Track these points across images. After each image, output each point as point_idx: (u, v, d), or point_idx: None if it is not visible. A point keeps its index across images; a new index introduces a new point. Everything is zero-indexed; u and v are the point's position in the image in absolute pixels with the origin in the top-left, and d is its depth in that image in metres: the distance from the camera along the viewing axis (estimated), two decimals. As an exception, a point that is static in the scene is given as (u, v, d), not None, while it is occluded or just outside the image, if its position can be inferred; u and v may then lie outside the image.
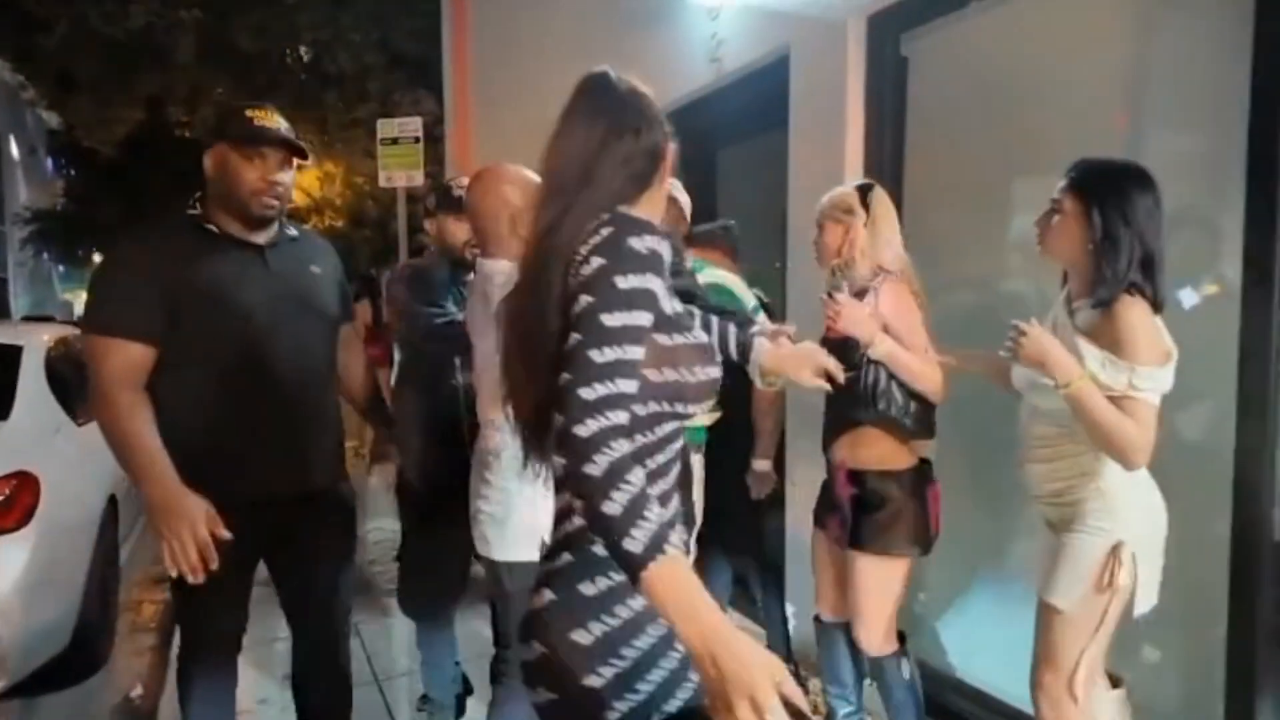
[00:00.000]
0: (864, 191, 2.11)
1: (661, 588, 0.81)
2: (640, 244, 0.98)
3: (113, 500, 3.49)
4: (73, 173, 24.77)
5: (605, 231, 0.98)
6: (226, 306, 1.71)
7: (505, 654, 1.97)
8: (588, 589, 1.00)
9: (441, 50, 7.48)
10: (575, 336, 0.94)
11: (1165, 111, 2.22)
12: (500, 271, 1.72)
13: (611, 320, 0.94)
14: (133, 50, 8.53)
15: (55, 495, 2.78)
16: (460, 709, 2.59)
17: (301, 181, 20.97)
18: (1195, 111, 2.12)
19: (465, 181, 2.55)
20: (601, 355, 0.92)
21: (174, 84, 9.87)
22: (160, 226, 1.80)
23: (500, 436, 1.69)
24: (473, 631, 3.11)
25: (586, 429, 0.87)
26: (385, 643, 3.39)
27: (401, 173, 6.48)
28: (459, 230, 2.34)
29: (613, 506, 0.83)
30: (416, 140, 6.47)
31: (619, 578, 0.97)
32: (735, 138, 3.60)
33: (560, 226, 1.02)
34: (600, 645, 0.98)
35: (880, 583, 2.07)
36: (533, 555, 1.60)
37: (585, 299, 0.95)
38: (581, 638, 0.98)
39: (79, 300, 35.13)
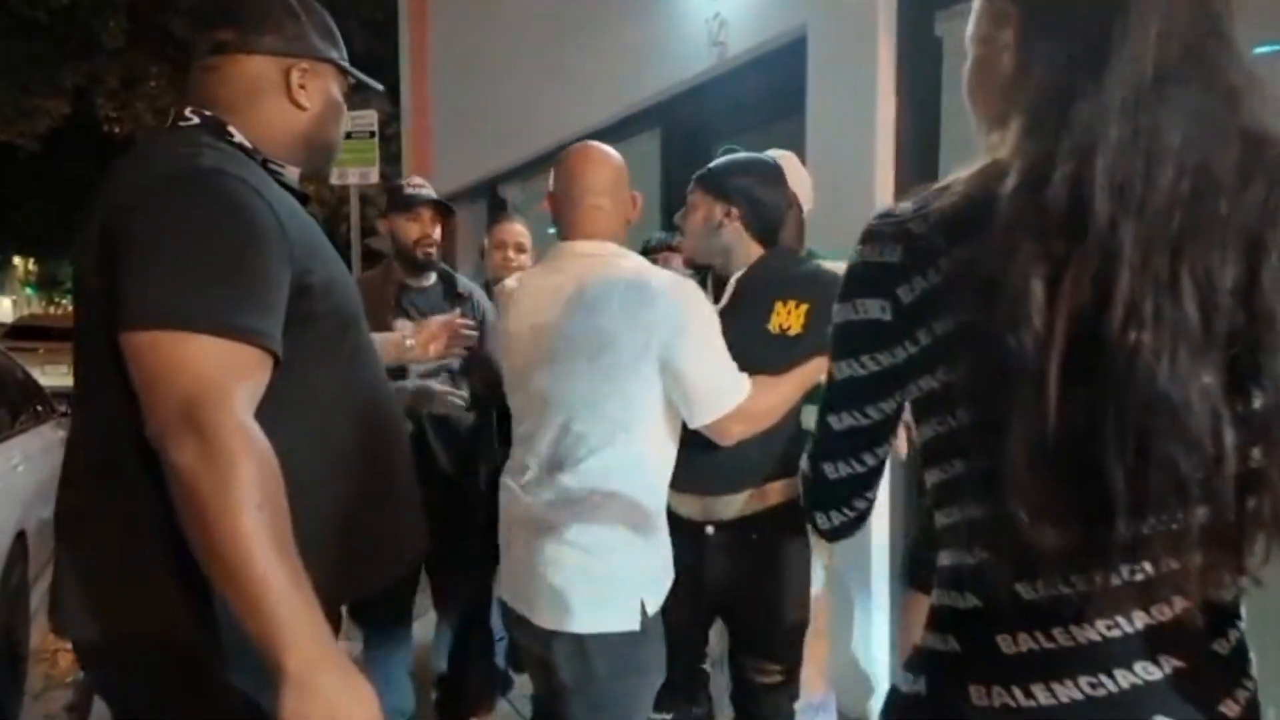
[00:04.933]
0: None
1: None
2: None
3: (21, 536, 3.02)
4: (-11, 170, 23.40)
5: None
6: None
7: None
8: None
9: (398, 42, 7.08)
10: None
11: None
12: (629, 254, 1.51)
13: None
14: (56, 34, 7.84)
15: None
16: None
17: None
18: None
19: (417, 180, 2.49)
20: None
21: (102, 73, 9.17)
22: None
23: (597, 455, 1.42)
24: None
25: None
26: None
27: (356, 169, 6.06)
28: (411, 229, 2.31)
29: None
30: (372, 135, 6.09)
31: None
32: (738, 128, 3.32)
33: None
34: None
35: None
36: (631, 625, 1.40)
37: None
38: None
39: (-4, 306, 33.38)
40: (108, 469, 0.99)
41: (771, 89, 3.04)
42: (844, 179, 2.67)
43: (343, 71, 1.19)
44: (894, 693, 0.79)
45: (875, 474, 0.81)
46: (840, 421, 0.78)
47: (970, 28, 0.79)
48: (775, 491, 1.68)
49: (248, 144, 1.09)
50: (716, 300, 1.70)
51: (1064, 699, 0.68)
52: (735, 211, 1.71)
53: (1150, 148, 0.60)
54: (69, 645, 3.39)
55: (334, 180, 6.31)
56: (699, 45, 3.28)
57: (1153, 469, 0.60)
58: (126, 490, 0.96)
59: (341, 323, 1.11)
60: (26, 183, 17.80)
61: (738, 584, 1.69)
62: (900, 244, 0.71)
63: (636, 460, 1.41)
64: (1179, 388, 0.59)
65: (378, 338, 1.42)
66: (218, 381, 0.89)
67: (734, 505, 1.68)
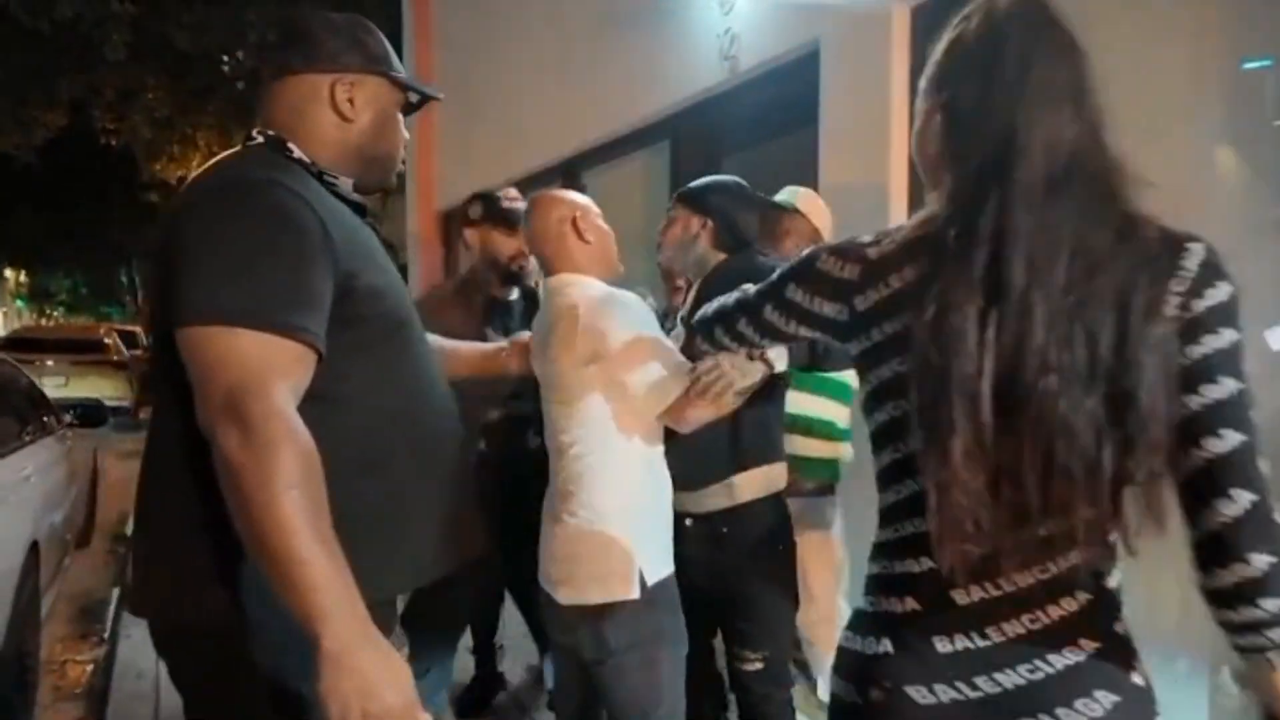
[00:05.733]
0: None
1: None
2: None
3: (34, 547, 3.00)
4: (-19, 181, 23.29)
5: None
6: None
7: None
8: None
9: (401, 56, 7.12)
10: (1231, 383, 0.83)
11: (1224, 112, 2.11)
12: (591, 285, 1.61)
13: None
14: (56, 45, 7.84)
15: (-34, 545, 2.33)
16: None
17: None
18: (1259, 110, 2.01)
19: (513, 193, 2.48)
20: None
21: (100, 85, 9.15)
22: None
23: (571, 466, 1.58)
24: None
25: None
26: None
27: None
28: (507, 244, 2.33)
29: None
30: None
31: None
32: (747, 141, 3.37)
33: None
34: None
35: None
36: (628, 592, 1.51)
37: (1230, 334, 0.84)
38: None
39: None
40: (184, 462, 1.03)
41: (782, 103, 3.08)
42: (858, 193, 2.71)
43: (395, 84, 1.23)
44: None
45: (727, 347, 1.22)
46: (742, 325, 1.12)
47: (917, 100, 0.96)
48: (747, 488, 1.77)
49: (305, 158, 1.15)
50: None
51: (1008, 686, 0.86)
52: (710, 224, 1.86)
53: (1049, 237, 0.81)
54: (78, 656, 3.36)
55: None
56: (710, 59, 3.32)
57: (1055, 477, 0.81)
58: (203, 482, 0.99)
59: (391, 326, 1.15)
60: (20, 194, 17.75)
61: (714, 577, 1.77)
62: (859, 265, 0.92)
63: (619, 456, 1.55)
64: (1074, 415, 0.80)
65: (465, 346, 1.66)
66: (260, 373, 0.94)
67: (705, 499, 1.77)
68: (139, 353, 12.05)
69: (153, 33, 7.84)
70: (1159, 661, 0.93)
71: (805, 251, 1.01)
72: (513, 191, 2.46)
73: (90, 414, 4.83)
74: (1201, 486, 0.82)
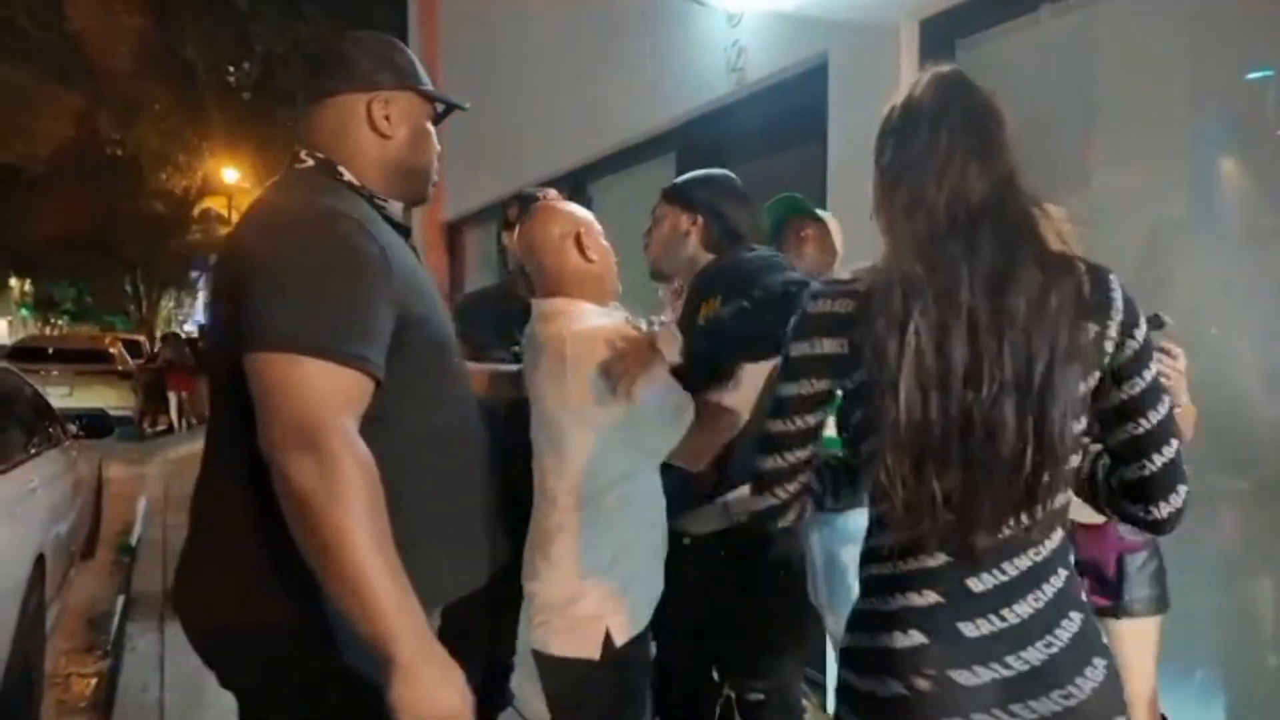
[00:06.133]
0: None
1: None
2: None
3: (40, 560, 3.00)
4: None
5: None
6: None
7: None
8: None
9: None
10: (1149, 372, 1.00)
11: (1229, 121, 2.13)
12: (583, 313, 1.51)
13: None
14: (64, 57, 7.89)
15: (-28, 557, 2.32)
16: None
17: (243, 203, 20.29)
18: (1260, 120, 2.04)
19: (553, 194, 2.36)
20: None
21: (106, 95, 9.21)
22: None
23: (558, 514, 1.48)
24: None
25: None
26: None
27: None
28: None
29: None
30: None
31: None
32: (754, 153, 3.37)
33: None
34: None
35: (1151, 653, 1.79)
36: (591, 653, 1.43)
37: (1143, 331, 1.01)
38: None
39: (-9, 327, 33.24)
40: (242, 474, 1.07)
41: (789, 115, 3.08)
42: (866, 203, 2.70)
43: (425, 97, 1.27)
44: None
45: (797, 469, 1.08)
46: (778, 426, 1.06)
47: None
48: (743, 507, 1.61)
49: (356, 182, 1.20)
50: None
51: (1034, 662, 0.96)
52: (700, 221, 1.77)
53: (971, 270, 0.95)
54: (83, 669, 3.35)
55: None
56: (716, 71, 3.33)
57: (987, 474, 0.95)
58: (258, 493, 1.03)
59: (436, 352, 1.20)
60: (27, 203, 17.82)
61: (712, 600, 1.70)
62: (852, 300, 1.00)
63: (609, 511, 1.45)
64: (1002, 421, 0.93)
65: (474, 367, 1.53)
66: (330, 404, 0.99)
67: (702, 519, 1.68)
68: (143, 362, 12.08)
69: (160, 45, 7.88)
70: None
71: (793, 319, 1.07)
72: (552, 192, 2.36)
73: (95, 424, 4.83)
74: (1138, 447, 1.01)
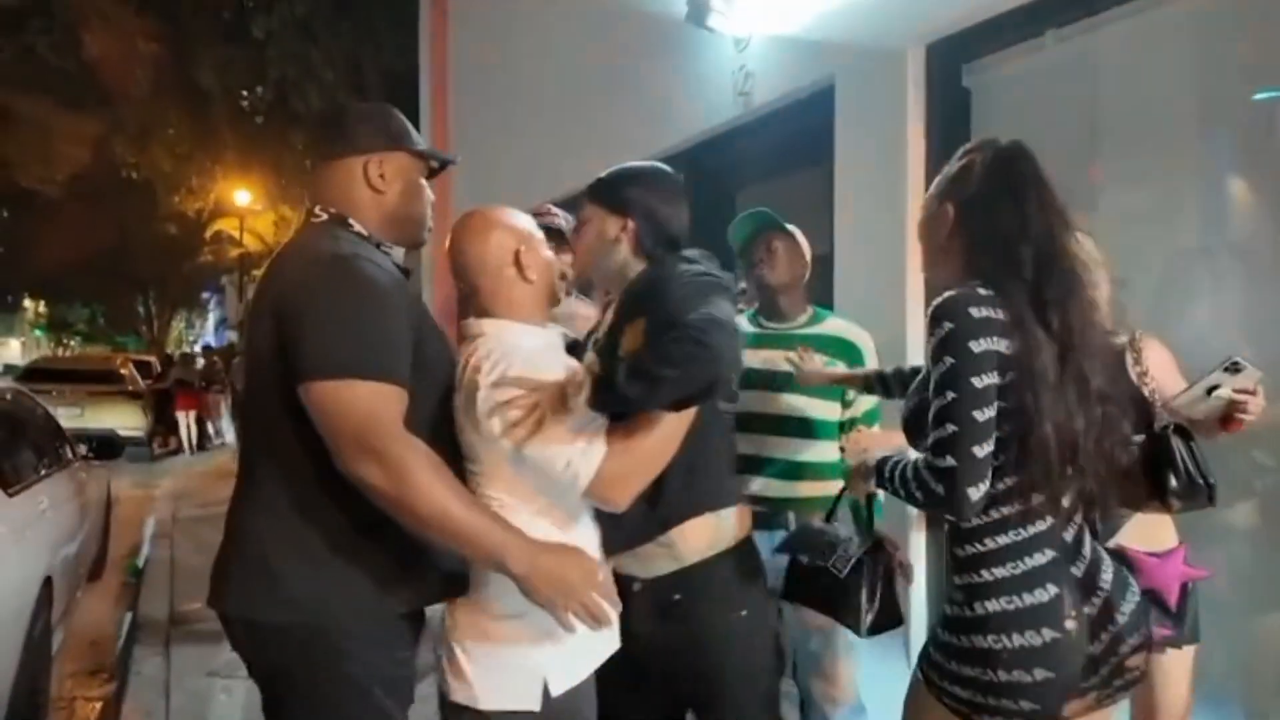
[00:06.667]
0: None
1: None
2: None
3: (47, 582, 3.00)
4: (4, 213, 23.73)
5: None
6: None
7: None
8: None
9: (418, 90, 7.25)
10: None
11: (1236, 141, 2.14)
12: (511, 337, 1.38)
13: None
14: (81, 84, 8.04)
15: (-19, 582, 2.33)
16: None
17: (255, 225, 20.56)
18: (1268, 141, 2.05)
19: (555, 210, 2.29)
20: None
21: (123, 120, 9.37)
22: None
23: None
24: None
25: None
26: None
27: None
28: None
29: None
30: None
31: None
32: (760, 176, 3.39)
33: None
34: None
35: (1189, 682, 1.79)
36: (530, 704, 1.30)
37: None
38: None
39: (5, 349, 33.52)
40: (275, 485, 1.30)
41: (795, 138, 3.10)
42: (873, 226, 2.71)
43: (416, 155, 1.47)
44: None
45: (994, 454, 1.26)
46: (983, 414, 1.22)
47: (928, 199, 1.39)
48: (692, 545, 1.49)
49: (364, 231, 1.40)
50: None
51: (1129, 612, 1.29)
52: (630, 225, 1.53)
53: (1069, 295, 1.27)
54: (88, 693, 3.32)
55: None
56: (724, 95, 3.36)
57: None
58: (292, 503, 1.28)
59: (431, 380, 1.34)
60: (43, 227, 18.06)
61: (670, 652, 1.51)
62: (1004, 310, 1.24)
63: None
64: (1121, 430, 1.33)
65: None
66: (379, 414, 1.21)
67: (648, 561, 1.50)
68: (151, 382, 12.16)
69: (175, 70, 8.03)
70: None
71: (945, 326, 1.24)
72: (553, 209, 2.30)
73: (105, 446, 4.88)
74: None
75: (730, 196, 3.70)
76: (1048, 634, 1.21)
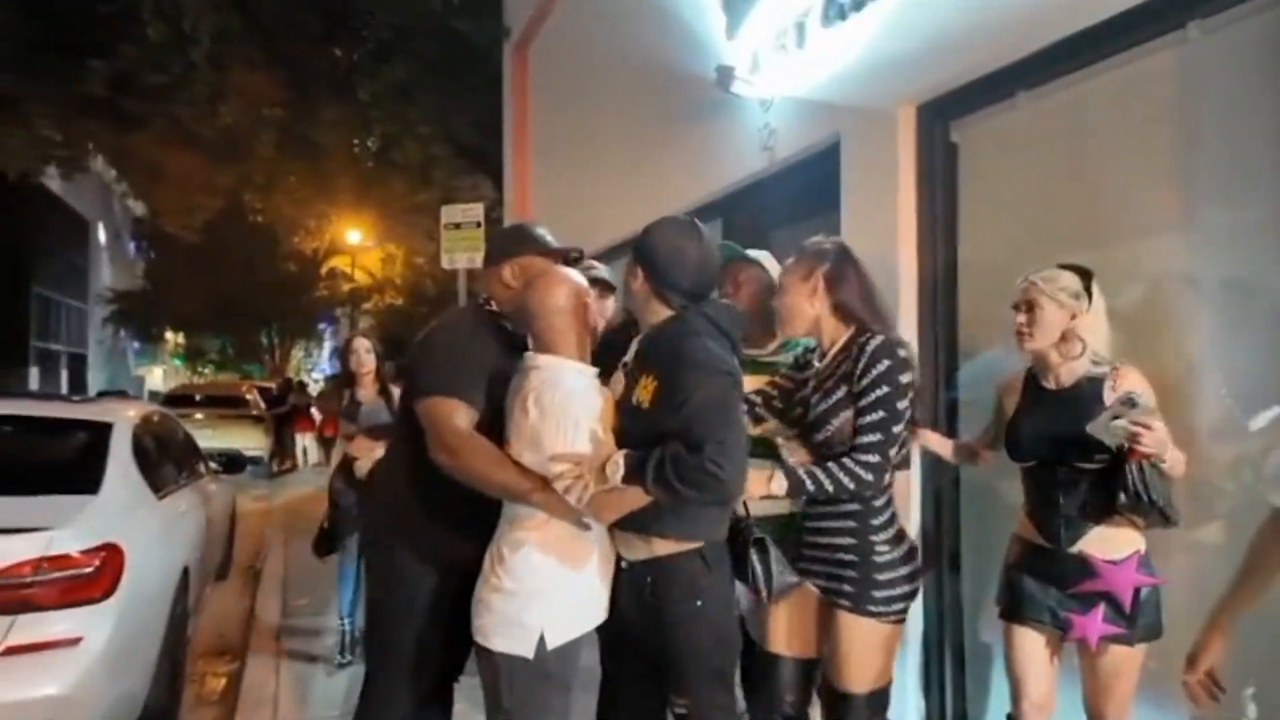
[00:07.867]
0: (1086, 277, 2.02)
1: None
2: None
3: (185, 572, 3.60)
4: (153, 255, 26.32)
5: None
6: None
7: None
8: None
9: (502, 141, 7.92)
10: None
11: (1215, 189, 2.22)
12: (570, 369, 1.81)
13: None
14: (218, 145, 9.19)
15: (138, 567, 2.88)
16: None
17: (364, 262, 22.08)
18: (1245, 187, 2.14)
19: (595, 263, 2.66)
20: None
21: (252, 173, 10.54)
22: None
23: (515, 532, 1.80)
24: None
25: None
26: None
27: (463, 255, 6.78)
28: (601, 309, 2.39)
29: None
30: (478, 225, 6.79)
31: None
32: (787, 220, 3.71)
33: None
34: None
35: (1135, 676, 1.98)
36: (525, 651, 1.71)
37: None
38: None
39: (150, 376, 36.62)
40: (402, 466, 2.10)
41: (812, 187, 3.41)
42: (873, 263, 2.97)
43: (545, 253, 2.09)
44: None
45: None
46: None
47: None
48: (662, 544, 1.76)
49: (496, 309, 2.12)
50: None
51: None
52: (640, 273, 1.77)
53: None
54: (215, 670, 3.93)
55: (445, 265, 7.05)
56: (753, 149, 3.72)
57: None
58: (411, 479, 2.05)
59: (494, 400, 1.94)
60: (184, 267, 20.14)
61: (642, 623, 1.79)
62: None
63: (563, 530, 1.76)
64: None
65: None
66: (450, 422, 1.89)
67: (628, 545, 1.81)
68: (269, 407, 13.22)
69: (296, 131, 9.05)
70: None
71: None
72: (590, 261, 2.57)
73: (231, 463, 5.62)
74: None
75: (762, 237, 4.04)
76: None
